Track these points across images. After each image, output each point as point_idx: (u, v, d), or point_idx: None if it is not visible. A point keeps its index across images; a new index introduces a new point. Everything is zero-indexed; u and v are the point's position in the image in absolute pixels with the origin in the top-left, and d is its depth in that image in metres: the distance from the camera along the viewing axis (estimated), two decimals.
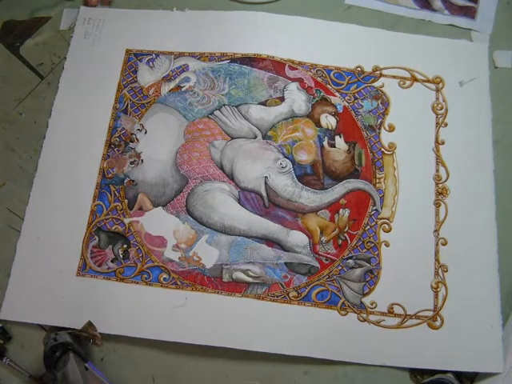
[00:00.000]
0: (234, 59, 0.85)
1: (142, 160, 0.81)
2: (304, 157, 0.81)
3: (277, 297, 0.75)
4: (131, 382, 0.74)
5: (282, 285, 0.75)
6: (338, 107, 0.83)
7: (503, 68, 0.85)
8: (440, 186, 0.79)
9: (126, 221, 0.78)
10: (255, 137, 0.82)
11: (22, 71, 0.88)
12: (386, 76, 0.84)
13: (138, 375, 0.74)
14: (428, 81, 0.84)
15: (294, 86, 0.84)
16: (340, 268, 0.76)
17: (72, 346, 0.70)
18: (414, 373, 0.73)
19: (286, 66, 0.85)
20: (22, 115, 0.86)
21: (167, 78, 0.85)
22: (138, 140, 0.82)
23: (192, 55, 0.86)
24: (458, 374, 0.72)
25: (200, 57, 0.86)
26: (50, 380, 0.69)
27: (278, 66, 0.85)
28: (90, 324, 0.73)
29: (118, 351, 0.75)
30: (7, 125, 0.86)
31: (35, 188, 0.80)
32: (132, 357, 0.75)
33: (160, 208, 0.79)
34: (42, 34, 0.90)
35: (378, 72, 0.84)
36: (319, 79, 0.84)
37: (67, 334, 0.71)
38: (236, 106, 0.83)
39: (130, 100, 0.84)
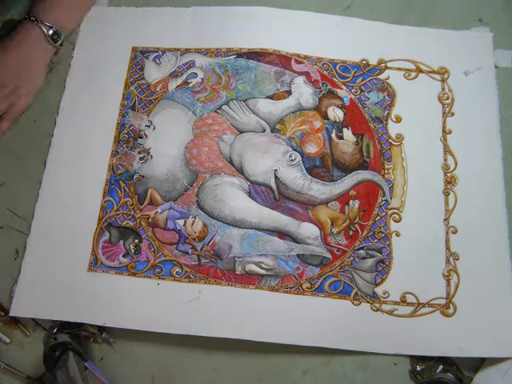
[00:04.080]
0: (240, 54, 0.86)
1: (152, 156, 0.81)
2: (313, 149, 0.81)
3: (290, 288, 0.75)
4: (131, 381, 0.74)
5: (295, 276, 0.75)
6: (344, 100, 0.84)
7: (503, 67, 0.86)
8: (448, 174, 0.79)
9: (137, 216, 0.78)
10: (263, 130, 0.82)
11: None
12: (391, 68, 0.85)
13: (138, 374, 0.74)
14: (433, 72, 0.84)
15: (300, 79, 0.84)
16: (352, 259, 0.76)
17: (72, 345, 0.70)
18: (414, 372, 0.73)
19: (293, 60, 0.85)
20: (22, 114, 0.86)
21: (174, 75, 0.86)
22: (146, 136, 0.82)
23: (198, 51, 0.86)
24: (458, 373, 0.72)
25: (206, 52, 0.86)
26: (50, 380, 0.69)
27: (284, 60, 0.85)
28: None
29: (118, 350, 0.75)
30: None
31: (44, 185, 0.80)
32: (131, 356, 0.75)
33: (171, 202, 0.79)
34: None
35: (383, 64, 0.85)
36: (325, 72, 0.85)
37: (67, 333, 0.72)
38: (244, 101, 0.84)
39: (138, 97, 0.84)
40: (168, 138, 0.82)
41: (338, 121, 0.83)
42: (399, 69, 0.85)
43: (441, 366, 0.72)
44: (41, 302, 0.75)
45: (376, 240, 0.77)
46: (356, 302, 0.74)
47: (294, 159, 0.80)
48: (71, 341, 0.71)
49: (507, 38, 0.87)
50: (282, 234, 0.77)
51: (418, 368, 0.72)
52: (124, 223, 0.78)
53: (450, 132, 0.81)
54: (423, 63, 0.85)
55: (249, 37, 0.86)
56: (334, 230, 0.78)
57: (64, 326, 0.73)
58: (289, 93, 0.84)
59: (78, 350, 0.70)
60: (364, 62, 0.85)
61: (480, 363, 0.73)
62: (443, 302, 0.74)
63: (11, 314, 0.74)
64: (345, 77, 0.85)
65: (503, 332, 0.72)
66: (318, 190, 0.79)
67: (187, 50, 0.87)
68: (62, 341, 0.70)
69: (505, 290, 0.74)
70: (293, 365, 0.74)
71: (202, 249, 0.77)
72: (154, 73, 0.86)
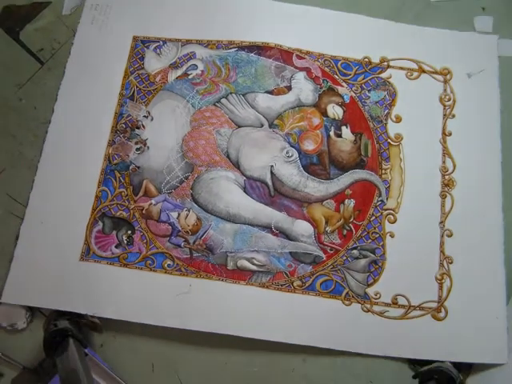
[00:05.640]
0: (241, 47, 0.85)
1: (148, 147, 0.81)
2: (310, 146, 0.81)
3: (281, 285, 0.75)
4: (130, 368, 0.74)
5: (286, 274, 0.75)
6: (344, 97, 0.83)
7: (506, 57, 0.85)
8: (446, 177, 0.79)
9: (131, 207, 0.78)
10: (262, 125, 0.82)
11: (22, 57, 0.88)
12: (393, 67, 0.84)
13: (138, 362, 0.74)
14: (436, 72, 0.83)
15: (301, 75, 0.84)
16: (345, 258, 0.76)
17: (72, 331, 0.70)
18: (413, 361, 0.72)
19: (294, 55, 0.84)
20: (22, 101, 0.86)
21: (174, 66, 0.85)
22: (144, 127, 0.82)
23: (199, 43, 0.86)
24: (457, 362, 0.71)
25: (207, 44, 0.85)
26: (50, 366, 0.69)
27: (285, 55, 0.84)
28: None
29: (118, 338, 0.75)
30: (7, 110, 0.85)
31: (40, 173, 0.80)
32: (131, 343, 0.75)
33: (165, 195, 0.78)
34: (41, 19, 0.90)
35: (385, 63, 0.84)
36: (326, 69, 0.84)
37: (67, 320, 0.72)
38: (243, 95, 0.83)
39: (137, 87, 0.84)
40: (165, 130, 0.82)
41: (337, 118, 0.82)
42: (401, 68, 0.84)
43: None
44: (32, 290, 0.75)
45: (370, 240, 0.77)
46: (347, 302, 0.74)
47: (291, 156, 0.80)
48: (71, 327, 0.70)
49: (510, 27, 0.86)
50: (276, 231, 0.77)
51: None
52: (118, 214, 0.78)
53: (450, 134, 0.80)
54: (426, 63, 0.84)
55: (251, 30, 0.85)
56: (328, 229, 0.77)
57: (64, 312, 0.73)
58: (289, 88, 0.83)
59: (77, 337, 0.70)
60: (366, 59, 0.84)
61: None
62: (435, 305, 0.74)
63: (2, 300, 0.74)
64: (346, 74, 0.84)
65: (494, 338, 0.72)
66: (314, 187, 0.79)
67: (188, 41, 0.86)
68: (62, 327, 0.70)
69: (497, 296, 0.73)
70: (293, 353, 0.74)
71: (194, 242, 0.76)
72: (154, 63, 0.85)
